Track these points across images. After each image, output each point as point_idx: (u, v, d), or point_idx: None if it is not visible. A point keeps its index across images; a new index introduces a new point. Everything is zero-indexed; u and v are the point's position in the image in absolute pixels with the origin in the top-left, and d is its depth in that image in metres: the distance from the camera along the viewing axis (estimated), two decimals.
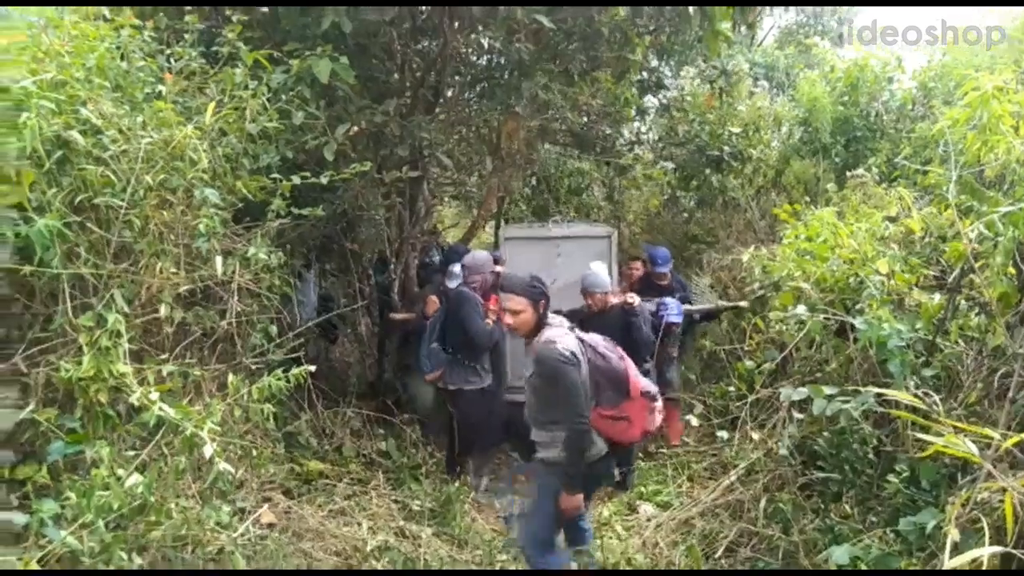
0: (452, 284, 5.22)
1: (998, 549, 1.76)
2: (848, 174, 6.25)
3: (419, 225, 6.60)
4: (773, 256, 5.02)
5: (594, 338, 3.39)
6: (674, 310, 5.46)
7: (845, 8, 12.54)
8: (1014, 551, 1.80)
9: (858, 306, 3.58)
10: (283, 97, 3.96)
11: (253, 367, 3.75)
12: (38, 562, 2.12)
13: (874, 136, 7.48)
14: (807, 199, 6.31)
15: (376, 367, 6.74)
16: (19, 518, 2.17)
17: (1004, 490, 2.06)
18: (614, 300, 5.11)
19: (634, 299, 5.10)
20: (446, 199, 9.26)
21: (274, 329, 3.79)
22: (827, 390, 3.05)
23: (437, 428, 5.55)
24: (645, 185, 9.14)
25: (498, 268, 5.15)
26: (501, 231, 7.23)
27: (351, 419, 5.23)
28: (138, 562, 2.53)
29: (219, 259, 3.16)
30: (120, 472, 2.46)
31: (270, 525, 3.65)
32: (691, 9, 5.43)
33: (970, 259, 2.83)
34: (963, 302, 3.25)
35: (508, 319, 3.17)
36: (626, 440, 3.36)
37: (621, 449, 3.48)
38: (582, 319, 4.74)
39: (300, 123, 4.11)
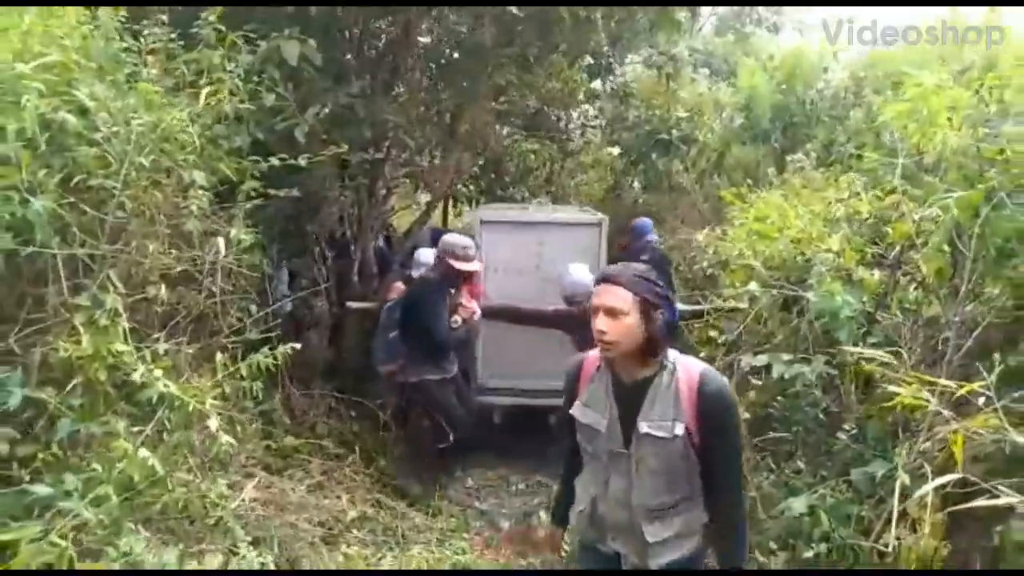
0: (416, 274, 4.99)
1: (955, 477, 2.04)
2: (788, 159, 6.63)
3: (378, 207, 6.63)
4: (723, 237, 5.33)
5: None
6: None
7: None
8: (968, 477, 2.07)
9: (808, 281, 3.89)
10: (253, 78, 3.97)
11: (230, 346, 3.80)
12: (59, 534, 2.19)
13: (810, 122, 7.92)
14: (748, 182, 6.63)
15: (334, 350, 6.75)
16: (43, 490, 2.23)
17: (945, 439, 2.39)
18: None
19: None
20: (404, 181, 9.22)
21: (253, 308, 3.84)
22: (785, 357, 3.34)
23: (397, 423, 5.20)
24: (593, 168, 9.39)
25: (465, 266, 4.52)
26: (478, 212, 6.64)
27: (323, 398, 5.29)
28: (144, 534, 2.61)
29: (220, 240, 3.21)
30: (128, 447, 2.52)
31: (254, 499, 3.75)
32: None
33: (914, 238, 3.16)
34: (902, 278, 3.59)
35: (600, 323, 2.02)
36: None
37: None
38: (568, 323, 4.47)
39: (270, 105, 4.13)
